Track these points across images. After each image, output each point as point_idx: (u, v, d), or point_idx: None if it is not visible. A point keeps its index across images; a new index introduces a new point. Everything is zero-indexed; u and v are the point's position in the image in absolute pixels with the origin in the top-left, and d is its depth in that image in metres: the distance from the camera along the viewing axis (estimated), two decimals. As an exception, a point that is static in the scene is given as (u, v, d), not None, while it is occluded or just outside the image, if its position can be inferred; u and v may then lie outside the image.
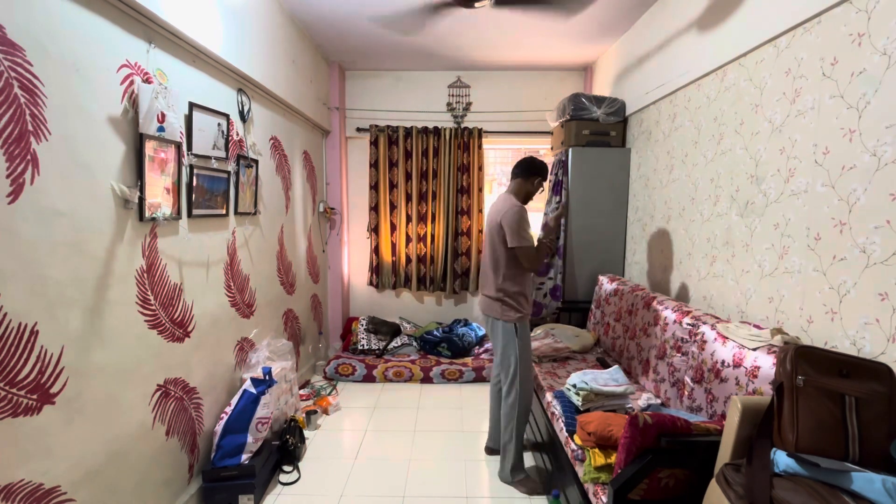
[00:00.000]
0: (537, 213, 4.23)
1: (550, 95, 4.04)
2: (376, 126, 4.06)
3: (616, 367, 2.08)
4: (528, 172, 2.30)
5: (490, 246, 2.29)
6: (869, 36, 1.40)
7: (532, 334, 3.02)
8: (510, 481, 2.25)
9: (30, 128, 1.26)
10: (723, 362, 1.69)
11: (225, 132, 2.21)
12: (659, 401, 2.04)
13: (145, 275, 1.72)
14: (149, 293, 1.74)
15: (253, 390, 2.18)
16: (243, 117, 2.45)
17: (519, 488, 2.22)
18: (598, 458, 1.57)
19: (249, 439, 2.10)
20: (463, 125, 4.14)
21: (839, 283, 1.47)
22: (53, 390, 1.34)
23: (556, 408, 1.98)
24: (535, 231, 2.62)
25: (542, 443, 2.27)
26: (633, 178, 3.18)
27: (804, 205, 1.63)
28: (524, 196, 2.29)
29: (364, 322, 4.02)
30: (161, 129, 1.71)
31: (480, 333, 3.97)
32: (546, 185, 2.61)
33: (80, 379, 1.43)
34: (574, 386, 1.93)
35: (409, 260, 4.22)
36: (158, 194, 1.74)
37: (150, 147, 1.67)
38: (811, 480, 1.01)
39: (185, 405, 1.98)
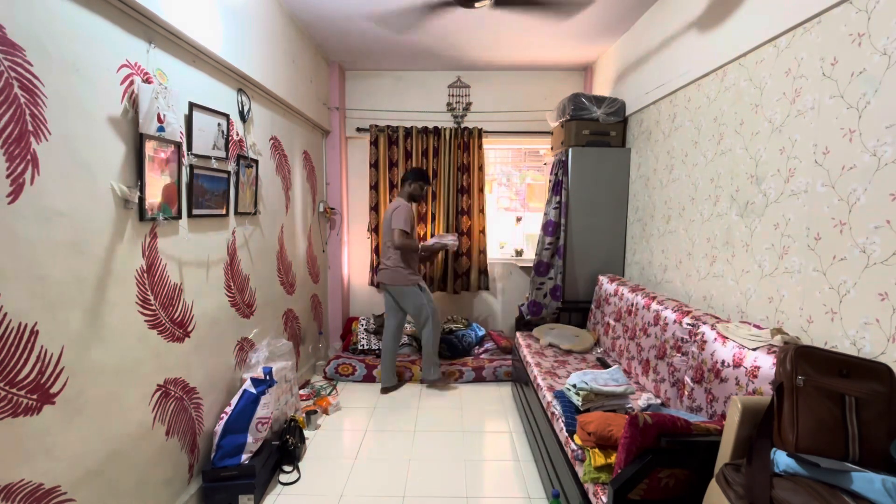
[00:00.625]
0: (537, 213, 4.24)
1: (550, 95, 4.04)
2: (376, 126, 4.06)
3: (616, 367, 2.08)
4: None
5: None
6: (869, 36, 1.40)
7: (534, 333, 3.09)
8: (436, 379, 3.37)
9: (30, 128, 1.26)
10: (723, 362, 1.69)
11: (225, 132, 2.21)
12: (659, 401, 2.04)
13: (145, 275, 1.72)
14: (149, 293, 1.74)
15: (253, 390, 2.18)
16: (243, 117, 2.45)
17: (441, 387, 3.40)
18: (598, 459, 1.57)
19: (249, 439, 2.10)
20: (463, 125, 4.13)
21: (839, 283, 1.47)
22: (53, 390, 1.34)
23: (556, 408, 1.98)
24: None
25: (542, 442, 2.27)
26: (633, 178, 3.18)
27: (804, 205, 1.63)
28: (407, 196, 3.29)
29: (365, 322, 4.02)
30: (161, 129, 1.71)
31: (480, 334, 3.97)
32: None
33: (80, 379, 1.43)
34: (574, 386, 1.93)
35: (409, 260, 4.22)
36: (158, 194, 1.74)
37: (150, 147, 1.67)
38: (811, 480, 1.01)
39: (185, 405, 1.98)
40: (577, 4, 2.79)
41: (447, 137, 4.04)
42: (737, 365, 1.62)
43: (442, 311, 4.34)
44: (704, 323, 1.90)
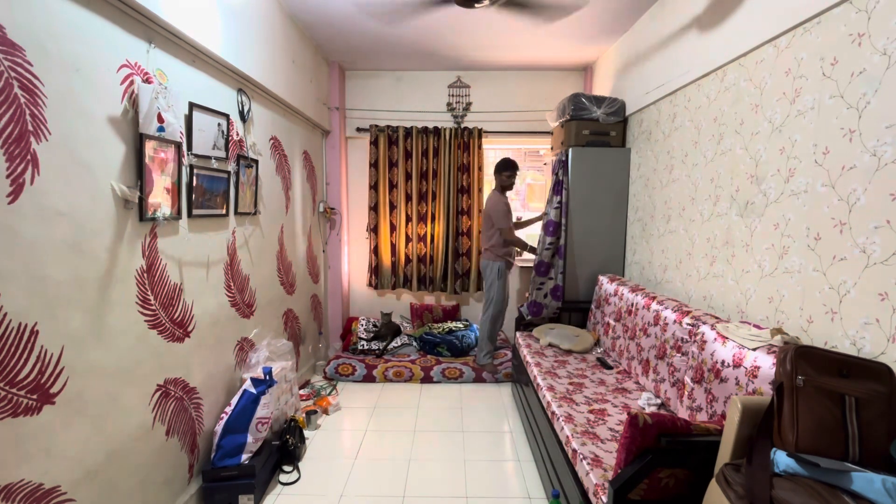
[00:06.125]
0: (537, 213, 4.23)
1: (550, 95, 4.04)
2: (376, 126, 4.06)
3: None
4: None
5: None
6: (869, 36, 1.40)
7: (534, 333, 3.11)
8: (485, 363, 3.57)
9: (30, 128, 1.26)
10: (723, 362, 1.69)
11: (225, 132, 2.21)
12: (659, 401, 2.04)
13: (145, 275, 1.72)
14: (149, 293, 1.74)
15: (253, 390, 2.18)
16: (243, 117, 2.45)
17: (490, 369, 3.57)
18: (598, 458, 1.57)
19: (249, 439, 2.10)
20: (463, 125, 4.14)
21: (839, 283, 1.47)
22: (53, 390, 1.34)
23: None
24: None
25: (542, 442, 2.27)
26: (633, 178, 3.18)
27: (804, 205, 1.63)
28: (501, 189, 3.47)
29: (364, 322, 4.02)
30: (161, 129, 1.71)
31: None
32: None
33: (80, 379, 1.43)
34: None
35: (408, 260, 4.22)
36: (158, 194, 1.74)
37: (150, 147, 1.67)
38: (811, 480, 1.01)
39: (185, 405, 1.98)
40: (572, 7, 2.79)
41: (447, 137, 4.04)
42: (737, 365, 1.62)
43: (442, 311, 4.34)
44: (704, 323, 1.90)
